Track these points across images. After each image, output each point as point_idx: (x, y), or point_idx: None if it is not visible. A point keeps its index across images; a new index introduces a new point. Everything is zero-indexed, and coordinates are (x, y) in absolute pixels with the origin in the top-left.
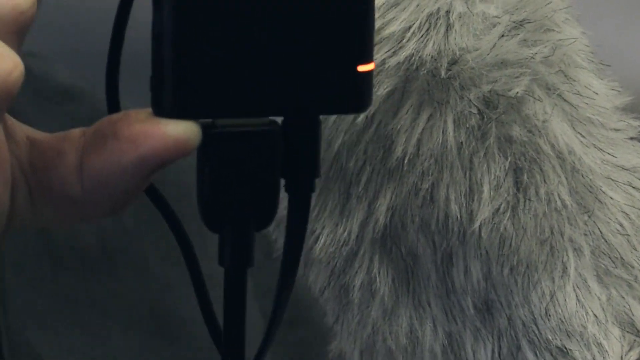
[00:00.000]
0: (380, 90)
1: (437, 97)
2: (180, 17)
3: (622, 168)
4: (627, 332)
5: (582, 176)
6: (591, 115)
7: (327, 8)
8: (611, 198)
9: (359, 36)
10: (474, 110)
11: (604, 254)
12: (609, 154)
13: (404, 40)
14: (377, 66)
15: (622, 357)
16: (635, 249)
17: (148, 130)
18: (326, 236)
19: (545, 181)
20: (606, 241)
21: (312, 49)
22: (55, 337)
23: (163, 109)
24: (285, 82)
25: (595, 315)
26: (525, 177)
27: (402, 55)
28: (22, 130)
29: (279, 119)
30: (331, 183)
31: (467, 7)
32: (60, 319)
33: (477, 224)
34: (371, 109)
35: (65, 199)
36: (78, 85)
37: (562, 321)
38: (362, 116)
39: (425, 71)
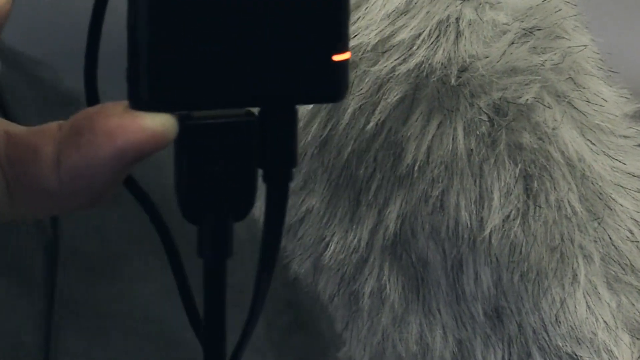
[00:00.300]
0: (390, 97)
1: (447, 105)
2: (155, 9)
3: (632, 175)
4: (637, 338)
5: (592, 183)
6: (600, 122)
7: None
8: (621, 205)
9: (334, 26)
10: (484, 118)
11: (614, 261)
12: (618, 161)
13: (414, 48)
14: (387, 73)
15: None
16: None
17: (124, 123)
18: (336, 243)
19: (555, 188)
20: (616, 248)
21: (287, 39)
22: (55, 340)
23: (139, 102)
24: (261, 73)
25: (605, 322)
26: (535, 184)
27: (412, 62)
28: None
29: (256, 110)
30: (341, 190)
31: (477, 15)
32: (59, 322)
33: (487, 231)
34: (381, 116)
35: (42, 192)
36: None
37: (572, 328)
38: (372, 123)
39: (435, 78)
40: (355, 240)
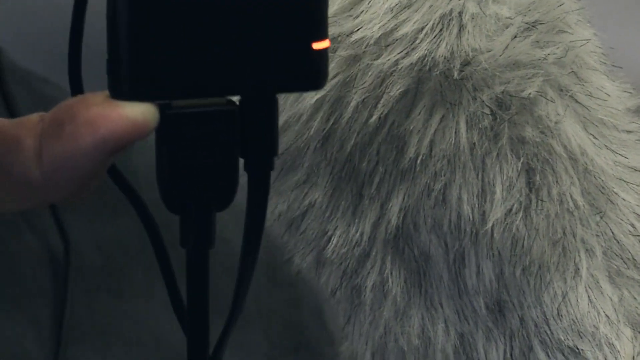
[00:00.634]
0: (393, 91)
1: (450, 98)
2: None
3: (634, 169)
4: (639, 332)
5: (594, 177)
6: (603, 116)
7: None
8: (623, 199)
9: (313, 14)
10: (487, 111)
11: (616, 255)
12: (621, 155)
13: (417, 42)
14: (390, 67)
15: (634, 357)
16: None
17: (105, 113)
18: (338, 237)
19: (557, 182)
20: (618, 242)
21: (267, 28)
22: (56, 353)
23: (120, 92)
24: (241, 62)
25: (607, 316)
26: (537, 177)
27: (415, 56)
28: None
29: (236, 99)
30: (343, 184)
31: (480, 8)
32: (61, 335)
33: (489, 225)
34: (384, 109)
35: (24, 184)
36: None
37: (574, 322)
38: (374, 117)
39: (438, 72)
40: (358, 233)
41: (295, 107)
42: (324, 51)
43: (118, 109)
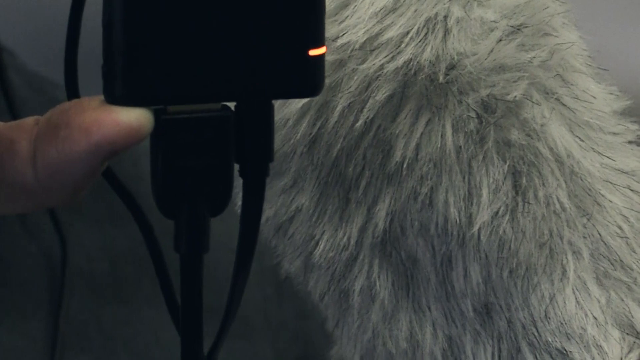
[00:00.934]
0: (379, 95)
1: (436, 102)
2: (129, 4)
3: (621, 171)
4: (627, 334)
5: (581, 179)
6: (589, 119)
7: None
8: (610, 201)
9: (310, 20)
10: (473, 115)
11: (603, 257)
12: (607, 157)
13: (402, 46)
14: (375, 71)
15: (621, 358)
16: (634, 252)
17: (100, 117)
18: (326, 241)
19: (544, 184)
20: (605, 244)
21: (263, 34)
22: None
23: (115, 97)
24: (237, 68)
25: (594, 318)
26: (524, 180)
27: (401, 60)
28: None
29: (232, 104)
30: (330, 188)
31: (465, 12)
32: (67, 343)
33: (476, 228)
34: (370, 114)
35: (19, 188)
36: None
37: (561, 323)
38: (360, 121)
39: (423, 76)
40: (345, 238)
41: (281, 111)
42: (320, 57)
43: (113, 114)
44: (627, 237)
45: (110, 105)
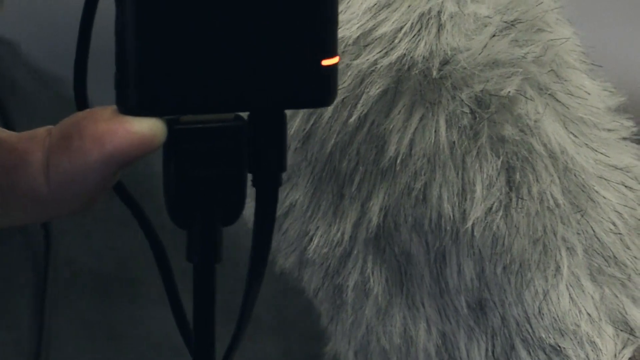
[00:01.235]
0: (373, 90)
1: (429, 97)
2: (142, 14)
3: (615, 167)
4: (621, 330)
5: (575, 175)
6: (583, 115)
7: (290, 3)
8: (604, 197)
9: (323, 30)
10: (466, 110)
11: (597, 253)
12: (601, 153)
13: (396, 41)
14: (369, 67)
15: (615, 355)
16: (628, 248)
17: (113, 128)
18: (320, 237)
19: (537, 180)
20: (599, 240)
21: (276, 44)
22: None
23: (128, 107)
24: (250, 77)
25: (588, 314)
26: (517, 176)
27: (394, 55)
28: None
29: (245, 114)
30: (324, 184)
31: (459, 8)
32: (76, 343)
33: (469, 223)
34: (363, 109)
35: (32, 198)
36: None
37: (555, 320)
38: (354, 117)
39: (417, 71)
40: (339, 233)
41: None
42: (333, 67)
43: (125, 124)
44: (621, 234)
45: (123, 115)
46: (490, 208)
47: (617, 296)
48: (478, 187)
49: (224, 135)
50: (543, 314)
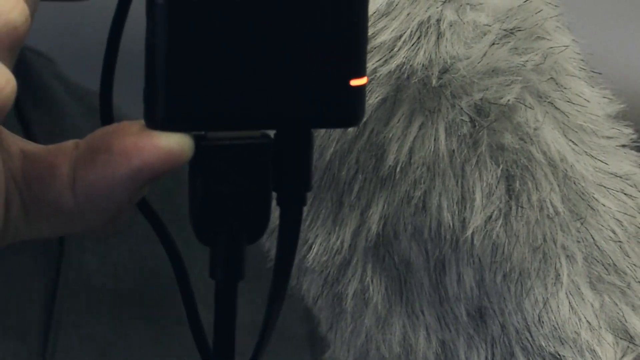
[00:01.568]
0: (372, 99)
1: (429, 106)
2: (175, 30)
3: (614, 175)
4: (621, 338)
5: (574, 183)
6: (583, 122)
7: (320, 22)
8: (603, 205)
9: (352, 50)
10: (466, 119)
11: (597, 261)
12: (601, 161)
13: (395, 49)
14: (368, 75)
15: None
16: (628, 256)
17: (140, 142)
18: (319, 245)
19: (537, 188)
20: (599, 248)
21: (305, 63)
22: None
23: (156, 122)
24: (278, 96)
25: (588, 322)
26: (517, 184)
27: (394, 64)
28: (16, 142)
29: (272, 132)
30: (323, 192)
31: (458, 16)
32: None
33: (469, 232)
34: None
35: (58, 211)
36: None
37: (555, 328)
38: None
39: (416, 80)
40: (338, 242)
41: None
42: (361, 88)
43: (153, 139)
44: (621, 241)
45: (151, 130)
46: (490, 216)
47: (616, 304)
48: (478, 196)
49: (250, 152)
50: (543, 322)
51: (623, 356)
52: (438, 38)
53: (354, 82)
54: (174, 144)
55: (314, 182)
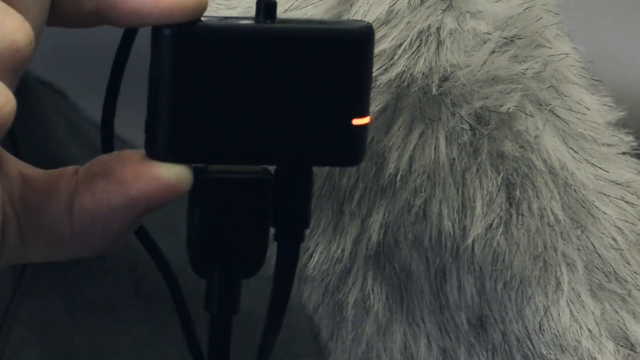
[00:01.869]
0: (372, 107)
1: (429, 114)
2: (179, 62)
3: (615, 183)
4: (621, 346)
5: (575, 191)
6: (583, 130)
7: (324, 61)
8: (604, 213)
9: (356, 90)
10: (466, 127)
11: (598, 269)
12: (601, 169)
13: (395, 57)
14: None
15: None
16: (629, 263)
17: (139, 172)
18: (320, 253)
19: (537, 196)
20: (599, 256)
21: (309, 101)
22: None
23: (156, 152)
24: (280, 132)
25: (589, 330)
26: (517, 192)
27: (394, 72)
28: (15, 165)
29: (272, 168)
30: (324, 200)
31: (458, 24)
32: None
33: (470, 240)
34: None
35: (55, 236)
36: None
37: (556, 336)
38: None
39: (416, 88)
40: (339, 250)
41: None
42: (363, 127)
43: (153, 170)
44: (621, 249)
45: (151, 160)
46: (491, 224)
47: (617, 312)
48: (478, 204)
49: (249, 187)
50: (544, 330)
51: None
52: (438, 46)
53: (357, 122)
54: (172, 175)
55: (315, 190)
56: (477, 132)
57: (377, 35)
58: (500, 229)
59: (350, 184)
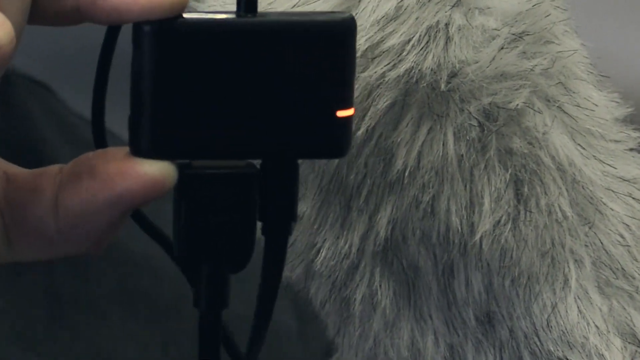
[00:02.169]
0: (380, 103)
1: (437, 110)
2: (160, 59)
3: (623, 179)
4: (629, 343)
5: (583, 188)
6: (591, 126)
7: (306, 53)
8: (612, 209)
9: (339, 82)
10: (474, 123)
11: (605, 265)
12: (609, 165)
13: (404, 53)
14: (377, 79)
15: None
16: (636, 260)
17: (124, 169)
18: (327, 249)
19: (545, 193)
20: (607, 252)
21: (292, 94)
22: None
23: (140, 149)
24: (264, 126)
25: (596, 326)
26: (525, 188)
27: (402, 68)
28: None
29: (257, 162)
30: (332, 196)
31: (467, 20)
32: None
33: (478, 236)
34: (371, 122)
35: (40, 235)
36: None
37: (563, 332)
38: (362, 129)
39: (425, 84)
40: (346, 246)
41: None
42: (348, 119)
43: (137, 166)
44: (629, 246)
45: (135, 157)
46: (499, 221)
47: (625, 308)
48: (486, 200)
49: (235, 182)
50: (551, 327)
51: None
52: (446, 42)
53: (341, 113)
54: (156, 171)
55: (322, 186)
56: (485, 129)
57: (386, 31)
58: (508, 226)
59: (358, 180)
